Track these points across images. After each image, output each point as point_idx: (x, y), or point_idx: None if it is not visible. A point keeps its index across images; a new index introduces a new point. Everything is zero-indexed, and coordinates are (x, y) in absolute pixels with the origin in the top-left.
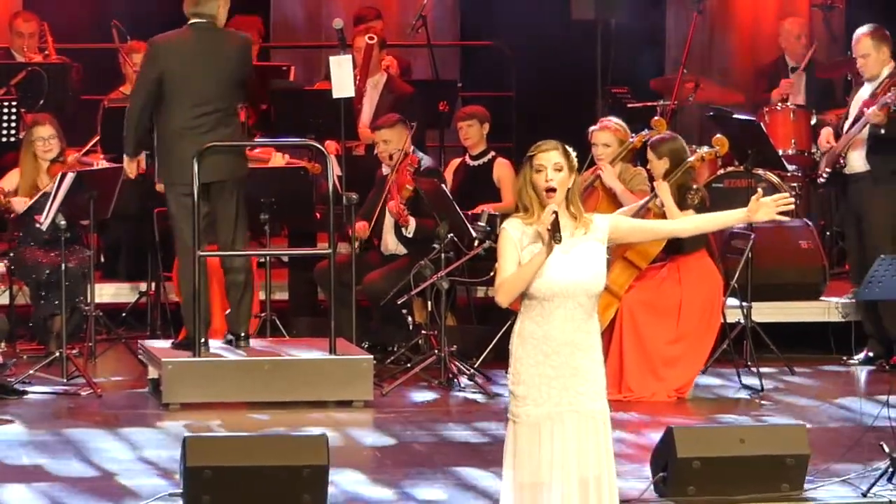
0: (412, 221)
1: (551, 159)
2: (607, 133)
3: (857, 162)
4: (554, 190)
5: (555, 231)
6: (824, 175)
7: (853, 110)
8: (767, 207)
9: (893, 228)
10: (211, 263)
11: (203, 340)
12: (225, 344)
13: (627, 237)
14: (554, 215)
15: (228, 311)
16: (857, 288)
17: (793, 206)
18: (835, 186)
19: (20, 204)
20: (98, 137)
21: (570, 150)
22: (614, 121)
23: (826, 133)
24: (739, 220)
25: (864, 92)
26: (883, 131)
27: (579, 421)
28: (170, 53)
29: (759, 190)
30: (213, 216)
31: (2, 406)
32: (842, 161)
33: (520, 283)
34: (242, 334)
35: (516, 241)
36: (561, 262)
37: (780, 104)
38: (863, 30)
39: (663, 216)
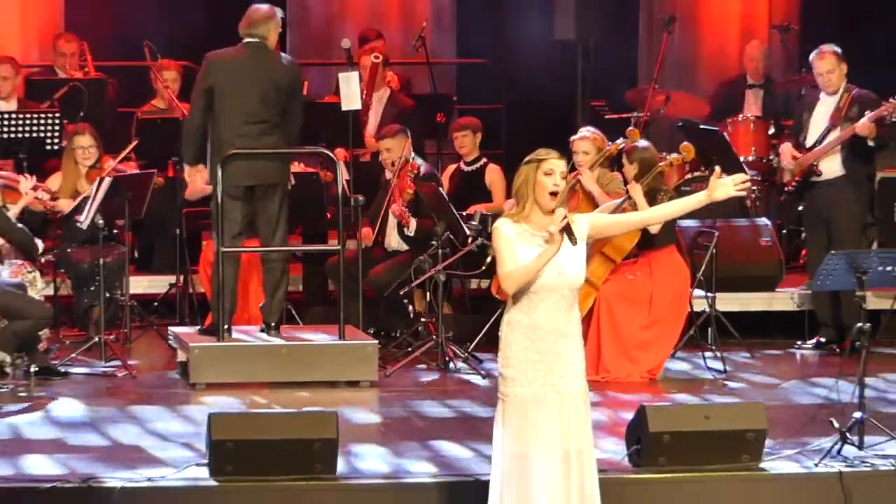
0: (413, 222)
1: (560, 167)
2: (586, 142)
3: (833, 167)
4: (558, 194)
5: (570, 234)
6: (794, 183)
7: (818, 124)
8: (725, 186)
9: (857, 228)
10: (246, 258)
11: (227, 327)
12: (259, 332)
13: (605, 231)
14: (565, 220)
15: (262, 303)
16: (810, 280)
17: (749, 184)
18: (798, 191)
19: (66, 205)
20: (135, 142)
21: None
22: (592, 130)
23: (788, 148)
24: (701, 202)
25: (828, 106)
26: (870, 142)
27: (562, 400)
28: (220, 69)
29: (717, 168)
30: (254, 215)
31: (47, 386)
32: (817, 170)
33: (528, 276)
34: (273, 324)
35: (510, 237)
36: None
37: (740, 116)
38: (826, 48)
39: None
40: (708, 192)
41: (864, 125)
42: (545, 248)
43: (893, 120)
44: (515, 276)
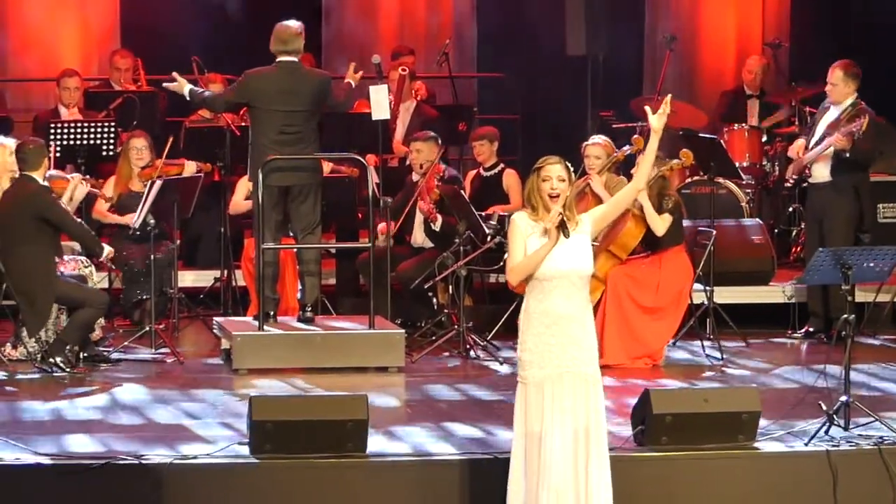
0: (440, 218)
1: (556, 172)
2: (598, 147)
3: (822, 173)
4: (557, 196)
5: (564, 228)
6: (791, 180)
7: (820, 129)
8: (660, 116)
9: (847, 229)
10: (284, 253)
11: (272, 314)
12: (297, 322)
13: (607, 218)
14: (560, 216)
15: (299, 290)
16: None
17: (671, 97)
18: (794, 192)
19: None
20: (171, 140)
21: (569, 165)
22: (603, 138)
23: (798, 145)
24: (655, 141)
25: (831, 115)
26: (847, 154)
27: (574, 381)
28: (258, 88)
29: (647, 108)
30: (289, 212)
31: (102, 371)
32: (808, 171)
33: (528, 269)
34: (309, 306)
35: (523, 230)
36: (557, 251)
37: (736, 125)
38: (840, 62)
39: (642, 216)
40: (652, 130)
41: (837, 139)
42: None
43: (861, 135)
44: (517, 269)
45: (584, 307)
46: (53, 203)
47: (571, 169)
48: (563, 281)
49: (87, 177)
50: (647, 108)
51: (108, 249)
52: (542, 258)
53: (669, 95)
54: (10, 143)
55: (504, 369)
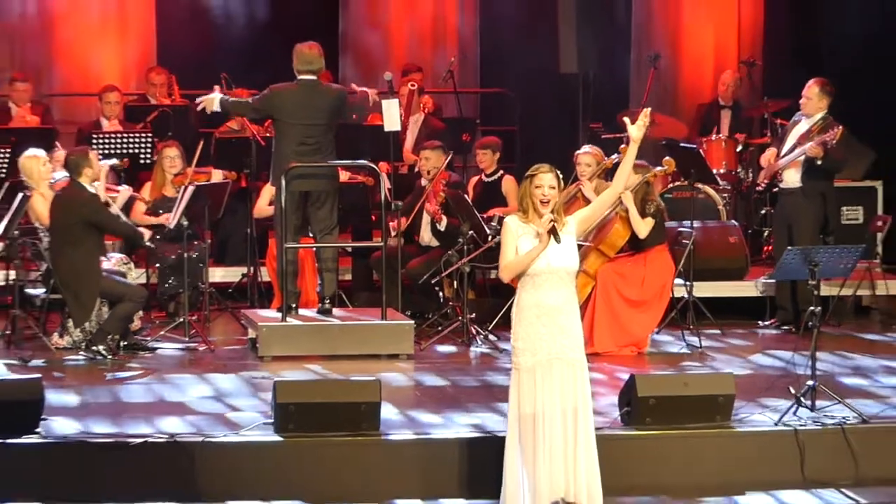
0: (445, 219)
1: (547, 180)
2: (588, 156)
3: (792, 178)
4: (548, 202)
5: (555, 234)
6: (763, 185)
7: (791, 139)
8: (638, 128)
9: (814, 232)
10: (304, 251)
11: (294, 306)
12: (317, 314)
13: (590, 219)
14: (552, 223)
15: (318, 284)
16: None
17: (650, 110)
18: (765, 196)
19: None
20: (202, 143)
21: (559, 174)
22: (593, 147)
23: (770, 153)
24: (634, 149)
25: (801, 127)
26: (819, 162)
27: (563, 367)
28: (281, 103)
29: (626, 119)
30: (308, 216)
31: (139, 358)
32: (779, 177)
33: (519, 268)
34: (328, 299)
35: (514, 231)
36: (547, 250)
37: (713, 135)
38: (816, 79)
39: (627, 219)
40: (632, 140)
41: (811, 147)
42: (536, 244)
43: (833, 145)
44: (510, 267)
45: (570, 299)
46: (101, 209)
47: (561, 177)
48: (551, 276)
49: (116, 162)
50: (626, 120)
51: (147, 234)
52: (532, 259)
53: (648, 108)
54: (42, 153)
55: (503, 356)
